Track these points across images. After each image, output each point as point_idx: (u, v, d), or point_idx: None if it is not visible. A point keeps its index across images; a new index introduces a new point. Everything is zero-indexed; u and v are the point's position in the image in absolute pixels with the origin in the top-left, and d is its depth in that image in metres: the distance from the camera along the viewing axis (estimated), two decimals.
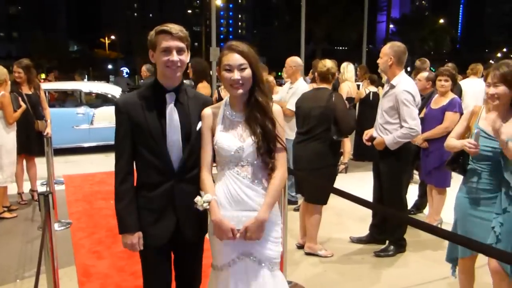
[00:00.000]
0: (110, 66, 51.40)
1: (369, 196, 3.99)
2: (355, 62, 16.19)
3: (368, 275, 3.68)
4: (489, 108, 2.64)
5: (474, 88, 6.86)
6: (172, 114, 2.02)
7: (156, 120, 2.00)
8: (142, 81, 10.01)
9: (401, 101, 3.68)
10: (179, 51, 1.97)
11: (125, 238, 2.03)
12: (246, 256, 2.02)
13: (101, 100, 9.57)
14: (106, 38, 55.87)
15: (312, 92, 4.10)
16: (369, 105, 7.45)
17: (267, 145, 1.98)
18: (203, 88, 5.15)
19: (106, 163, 7.90)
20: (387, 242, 4.09)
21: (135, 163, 2.07)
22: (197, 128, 2.07)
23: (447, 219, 4.58)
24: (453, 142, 2.80)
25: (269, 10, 59.63)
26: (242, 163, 2.00)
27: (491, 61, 38.78)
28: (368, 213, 4.34)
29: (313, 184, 3.96)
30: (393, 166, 3.87)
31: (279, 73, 21.70)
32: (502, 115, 2.53)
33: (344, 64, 7.46)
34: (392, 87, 3.80)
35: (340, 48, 47.97)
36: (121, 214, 2.02)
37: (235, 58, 1.95)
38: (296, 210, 4.94)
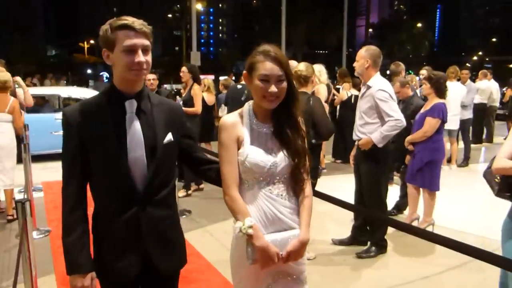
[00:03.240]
0: (89, 71, 50.76)
1: (350, 198, 4.03)
2: (335, 65, 16.31)
3: (350, 276, 3.72)
4: None
5: (456, 92, 7.01)
6: (133, 126, 1.67)
7: (114, 133, 1.65)
8: None
9: (378, 99, 3.78)
10: (145, 50, 1.64)
11: (74, 280, 1.66)
12: (283, 277, 1.84)
13: None
14: (85, 43, 55.18)
15: None
16: (351, 108, 7.52)
17: (299, 160, 1.81)
18: (198, 90, 5.93)
19: None
20: (368, 243, 4.14)
21: (88, 186, 1.72)
22: (165, 140, 1.74)
23: (443, 223, 4.71)
24: (505, 164, 2.19)
25: (249, 15, 59.74)
26: (275, 180, 1.80)
27: (467, 64, 39.67)
28: (349, 215, 4.39)
29: None
30: (372, 168, 3.93)
31: None
32: None
33: (319, 67, 7.52)
34: (368, 88, 3.91)
35: (321, 51, 48.33)
36: (70, 250, 1.64)
37: (274, 69, 1.72)
38: None
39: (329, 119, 4.05)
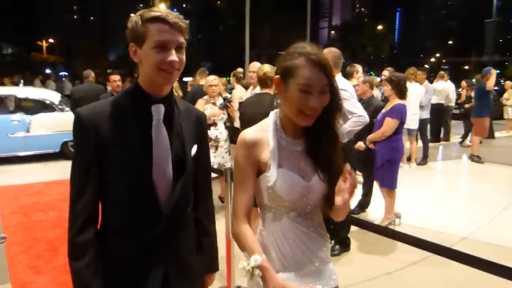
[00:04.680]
0: (48, 71, 49.19)
1: None
2: None
3: None
4: None
5: (415, 93, 7.23)
6: (160, 134, 1.45)
7: (138, 141, 1.42)
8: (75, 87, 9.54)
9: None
10: (179, 48, 1.42)
11: None
12: None
13: (38, 106, 9.11)
14: (44, 41, 53.40)
15: (254, 97, 4.15)
16: None
17: (335, 183, 1.45)
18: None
19: (44, 173, 7.57)
20: (332, 242, 4.20)
21: (101, 202, 1.49)
22: (192, 153, 1.54)
23: (404, 219, 4.83)
24: None
25: (214, 15, 59.61)
26: (307, 209, 1.51)
27: (425, 65, 40.97)
28: None
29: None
30: None
31: (227, 78, 21.70)
32: None
33: None
34: None
35: (285, 53, 48.85)
36: (81, 276, 1.40)
37: (319, 77, 1.39)
38: None
39: None
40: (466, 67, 53.29)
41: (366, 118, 3.86)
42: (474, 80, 12.09)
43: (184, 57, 1.44)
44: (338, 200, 1.40)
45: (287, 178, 1.45)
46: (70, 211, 1.43)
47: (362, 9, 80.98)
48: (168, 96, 1.50)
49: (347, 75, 6.45)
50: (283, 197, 1.46)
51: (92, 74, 8.27)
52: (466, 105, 10.90)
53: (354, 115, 3.81)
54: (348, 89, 3.91)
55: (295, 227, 1.50)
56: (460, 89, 12.94)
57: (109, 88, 6.58)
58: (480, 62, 39.27)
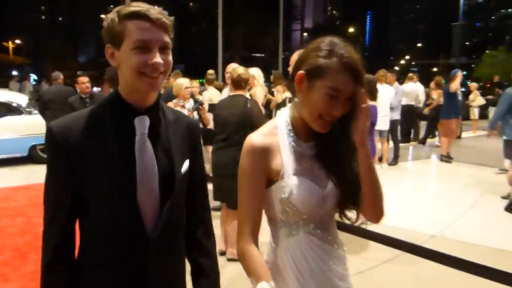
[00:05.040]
0: (15, 72, 47.81)
1: None
2: (272, 68, 16.58)
3: None
4: None
5: (386, 95, 7.36)
6: (145, 151, 1.26)
7: (119, 159, 1.23)
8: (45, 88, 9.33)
9: None
10: (163, 48, 1.22)
11: None
12: None
13: (4, 109, 8.85)
14: (10, 42, 51.87)
15: (228, 99, 4.16)
16: None
17: (352, 190, 1.35)
18: None
19: (11, 177, 7.36)
20: None
21: (79, 226, 1.31)
22: (183, 169, 1.34)
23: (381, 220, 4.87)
24: None
25: (186, 17, 59.24)
26: (322, 218, 1.36)
27: (395, 67, 41.85)
28: None
29: (233, 190, 3.99)
30: None
31: (200, 80, 21.59)
32: None
33: (256, 71, 7.61)
34: None
35: (258, 55, 48.95)
36: None
37: (350, 84, 1.24)
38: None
39: (267, 120, 4.11)
40: (435, 69, 54.67)
41: None
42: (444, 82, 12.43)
43: (170, 58, 1.25)
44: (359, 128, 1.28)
45: (304, 187, 1.29)
46: (43, 237, 1.27)
47: (334, 12, 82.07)
48: (153, 105, 1.29)
49: None
50: (300, 209, 1.31)
51: (61, 76, 8.11)
52: (426, 109, 11.12)
53: None
54: None
55: (312, 242, 1.34)
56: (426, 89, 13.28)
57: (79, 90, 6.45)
58: (448, 64, 40.36)
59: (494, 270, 2.11)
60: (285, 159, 1.31)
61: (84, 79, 6.44)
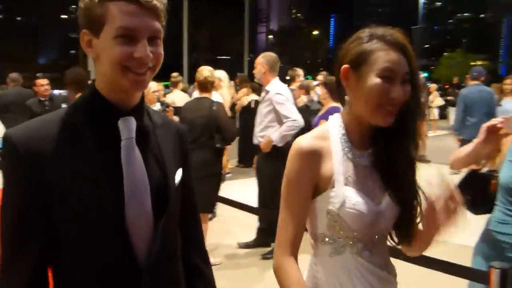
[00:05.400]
0: None
1: (255, 202, 4.11)
2: (238, 71, 16.60)
3: (257, 278, 3.79)
4: None
5: None
6: (133, 159, 1.01)
7: (101, 173, 0.97)
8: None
9: (276, 102, 3.98)
10: (153, 38, 0.98)
11: None
12: None
13: None
14: None
15: (194, 102, 4.16)
16: (252, 113, 7.69)
17: (411, 206, 1.21)
18: None
19: None
20: (272, 244, 4.25)
21: (51, 263, 1.02)
22: (177, 180, 1.11)
23: None
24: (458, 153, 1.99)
25: None
26: (375, 239, 1.20)
27: None
28: (254, 218, 4.46)
29: (203, 193, 3.97)
30: (273, 169, 4.06)
31: (164, 83, 21.36)
32: None
33: (222, 73, 7.61)
34: (267, 92, 4.12)
35: (224, 57, 48.95)
36: None
37: (402, 62, 1.11)
38: None
39: (233, 123, 4.14)
40: None
41: (300, 122, 3.97)
42: None
43: (161, 51, 1.01)
44: (428, 225, 1.18)
45: (357, 200, 1.14)
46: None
47: (299, 15, 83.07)
48: (138, 105, 1.06)
49: (290, 79, 6.61)
50: (350, 225, 1.15)
51: (20, 78, 7.83)
52: None
53: (288, 119, 3.92)
54: (284, 93, 4.03)
55: (360, 264, 1.18)
56: None
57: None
58: None
59: (454, 265, 2.16)
60: (336, 166, 1.16)
61: (43, 81, 6.24)
